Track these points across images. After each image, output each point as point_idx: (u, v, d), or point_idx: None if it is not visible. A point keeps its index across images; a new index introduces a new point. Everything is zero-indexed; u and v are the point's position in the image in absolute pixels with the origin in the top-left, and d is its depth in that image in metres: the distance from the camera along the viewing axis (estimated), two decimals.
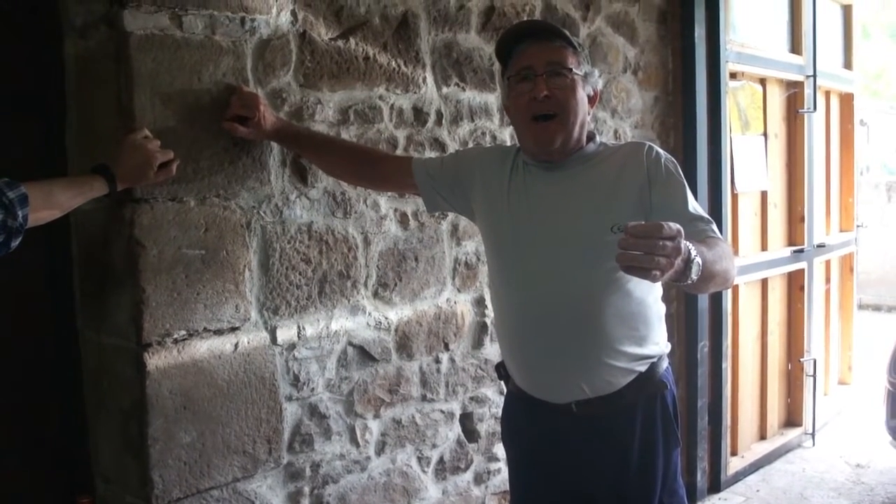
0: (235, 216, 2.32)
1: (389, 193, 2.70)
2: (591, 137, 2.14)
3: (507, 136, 3.02)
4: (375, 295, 2.69)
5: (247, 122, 2.27)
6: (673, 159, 2.08)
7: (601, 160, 2.10)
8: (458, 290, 2.94)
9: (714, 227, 1.98)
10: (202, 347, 2.26)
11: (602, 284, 1.99)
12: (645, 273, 1.52)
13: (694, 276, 1.61)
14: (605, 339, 2.01)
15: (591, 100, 2.13)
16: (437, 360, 2.90)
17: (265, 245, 2.40)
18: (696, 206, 2.01)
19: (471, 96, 2.93)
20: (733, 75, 4.17)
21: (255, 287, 2.37)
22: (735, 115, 4.21)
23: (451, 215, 2.88)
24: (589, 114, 2.12)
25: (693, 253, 1.61)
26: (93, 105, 2.23)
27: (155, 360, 2.16)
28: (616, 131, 3.55)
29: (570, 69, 2.04)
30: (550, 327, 2.03)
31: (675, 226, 1.53)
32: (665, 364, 2.13)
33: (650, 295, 2.07)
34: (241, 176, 2.34)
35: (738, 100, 4.26)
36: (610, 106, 3.51)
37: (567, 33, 2.10)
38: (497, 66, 2.97)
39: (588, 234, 1.99)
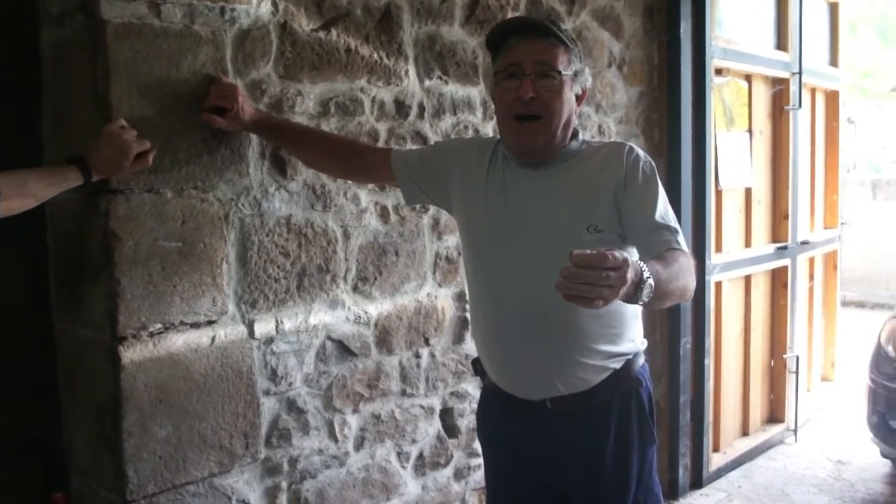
0: (213, 208, 2.30)
1: (370, 186, 2.69)
2: (574, 135, 2.12)
3: (489, 129, 3.01)
4: (355, 289, 2.68)
5: (225, 113, 2.25)
6: (651, 162, 2.06)
7: (582, 159, 2.08)
8: (439, 285, 2.93)
9: (680, 237, 1.96)
10: (178, 341, 2.24)
11: None
12: (587, 302, 1.50)
13: (645, 299, 1.60)
14: (580, 337, 2.01)
15: (579, 98, 2.10)
16: (418, 355, 2.89)
17: (243, 238, 2.38)
18: (665, 214, 1.98)
19: (453, 90, 2.92)
20: (719, 71, 4.17)
21: (232, 280, 2.36)
22: (720, 112, 4.22)
23: (431, 209, 2.87)
24: (576, 112, 2.10)
25: (646, 275, 1.58)
26: (69, 94, 2.20)
27: (130, 354, 2.14)
28: (600, 126, 3.55)
29: (560, 71, 2.00)
30: (524, 325, 2.03)
31: (620, 255, 1.50)
32: (641, 361, 2.13)
33: None
34: (219, 168, 2.32)
35: (724, 96, 4.27)
36: (594, 101, 3.51)
37: (560, 30, 2.04)
38: (481, 60, 2.96)
39: (564, 233, 1.97)
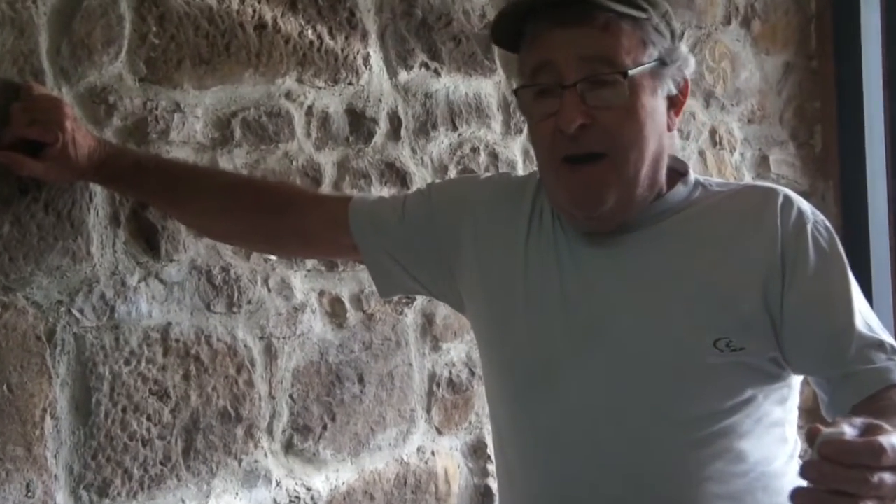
0: (26, 321, 2.30)
1: (309, 266, 2.72)
2: (681, 173, 2.10)
3: (516, 151, 3.04)
4: (289, 448, 2.69)
5: (43, 151, 2.24)
6: (827, 225, 2.02)
7: (697, 217, 2.06)
8: (438, 431, 2.95)
9: None
10: None
11: (699, 441, 1.97)
12: None
13: None
14: None
15: (675, 103, 2.06)
16: None
17: (83, 370, 2.37)
18: (867, 316, 1.96)
19: (450, 85, 2.95)
20: None
21: (64, 448, 2.34)
22: None
23: (420, 299, 2.87)
24: (671, 129, 2.06)
25: None
26: None
27: None
28: (713, 131, 3.53)
29: (624, 70, 1.93)
30: None
31: None
32: None
33: (781, 450, 2.05)
34: (34, 247, 2.31)
35: None
36: (701, 86, 3.50)
37: None
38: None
39: (676, 353, 1.97)
